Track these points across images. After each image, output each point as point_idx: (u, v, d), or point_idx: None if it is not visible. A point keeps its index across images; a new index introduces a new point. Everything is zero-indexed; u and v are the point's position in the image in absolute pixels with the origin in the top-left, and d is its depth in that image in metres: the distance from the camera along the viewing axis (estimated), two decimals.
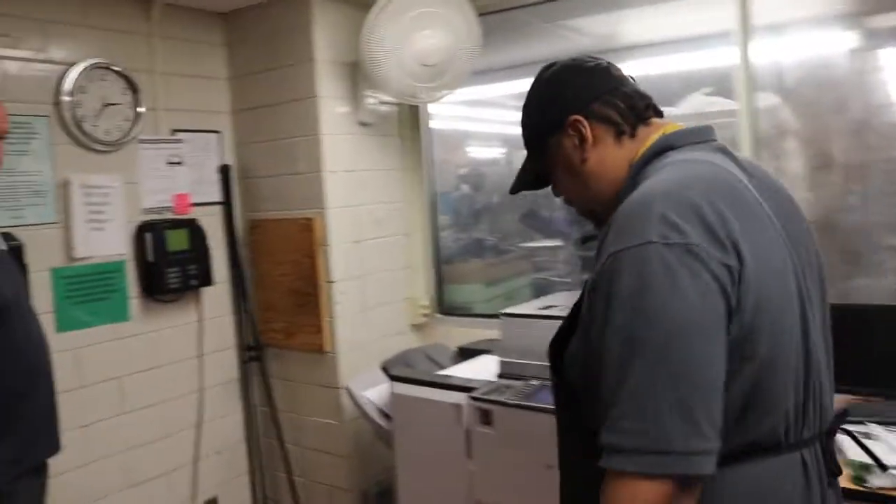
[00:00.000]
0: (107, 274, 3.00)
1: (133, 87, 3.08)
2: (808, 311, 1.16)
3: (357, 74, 3.35)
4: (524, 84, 1.43)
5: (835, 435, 1.25)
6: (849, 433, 1.38)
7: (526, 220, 3.61)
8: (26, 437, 2.06)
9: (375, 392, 3.01)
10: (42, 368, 2.15)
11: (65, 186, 2.86)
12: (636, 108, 1.30)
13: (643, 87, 1.36)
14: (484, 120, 3.85)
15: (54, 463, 2.19)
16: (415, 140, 3.70)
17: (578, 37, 3.48)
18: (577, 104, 1.31)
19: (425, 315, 3.71)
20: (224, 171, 3.47)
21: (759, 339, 1.08)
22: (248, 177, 3.52)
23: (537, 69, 1.42)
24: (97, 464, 2.97)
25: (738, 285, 1.06)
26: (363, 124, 3.44)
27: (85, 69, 2.90)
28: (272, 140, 3.39)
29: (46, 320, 2.79)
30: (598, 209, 1.36)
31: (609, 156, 1.30)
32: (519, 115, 1.43)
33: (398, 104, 3.60)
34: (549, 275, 3.57)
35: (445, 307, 3.77)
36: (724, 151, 1.26)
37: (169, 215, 3.24)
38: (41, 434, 2.13)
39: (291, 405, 3.52)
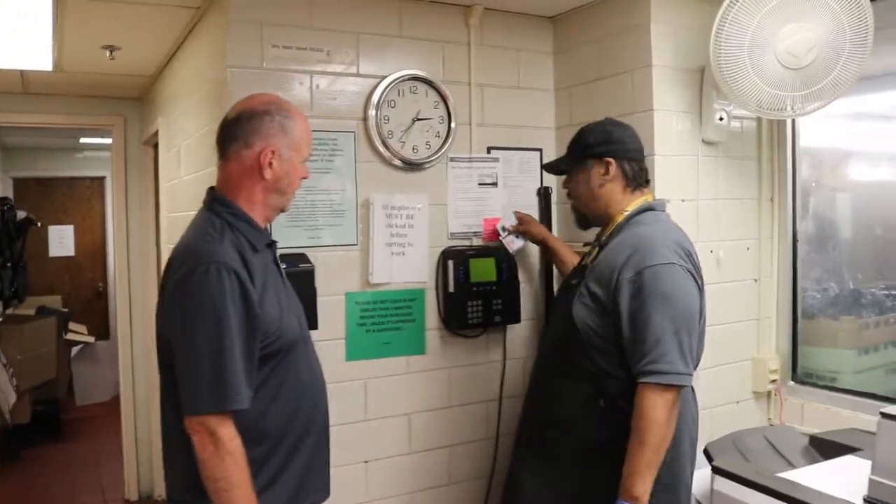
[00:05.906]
0: (404, 302, 2.78)
1: (445, 101, 2.82)
2: None
3: (704, 83, 2.76)
4: None
5: None
6: None
7: None
8: (298, 483, 1.85)
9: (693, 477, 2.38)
10: (320, 407, 1.95)
11: (366, 207, 2.69)
12: (640, 177, 2.22)
13: None
14: (871, 136, 2.93)
15: None
16: (776, 163, 2.97)
17: None
18: (617, 154, 2.19)
19: (773, 381, 2.95)
20: (544, 194, 3.09)
21: None
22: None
23: None
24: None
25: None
26: (709, 143, 2.82)
27: (395, 81, 2.70)
28: None
29: (337, 347, 2.66)
30: (589, 215, 2.30)
31: (616, 193, 2.20)
32: None
33: (756, 119, 2.92)
34: None
35: (800, 375, 2.99)
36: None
37: (477, 242, 2.94)
38: (313, 479, 1.92)
39: None
